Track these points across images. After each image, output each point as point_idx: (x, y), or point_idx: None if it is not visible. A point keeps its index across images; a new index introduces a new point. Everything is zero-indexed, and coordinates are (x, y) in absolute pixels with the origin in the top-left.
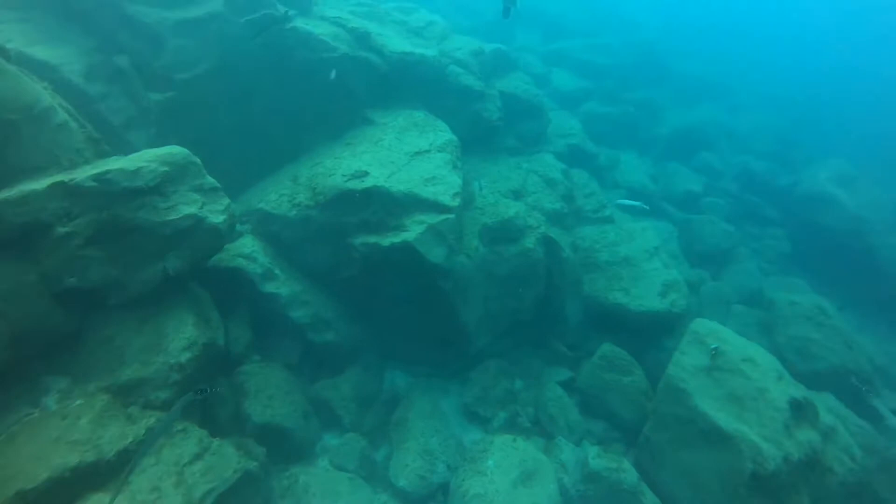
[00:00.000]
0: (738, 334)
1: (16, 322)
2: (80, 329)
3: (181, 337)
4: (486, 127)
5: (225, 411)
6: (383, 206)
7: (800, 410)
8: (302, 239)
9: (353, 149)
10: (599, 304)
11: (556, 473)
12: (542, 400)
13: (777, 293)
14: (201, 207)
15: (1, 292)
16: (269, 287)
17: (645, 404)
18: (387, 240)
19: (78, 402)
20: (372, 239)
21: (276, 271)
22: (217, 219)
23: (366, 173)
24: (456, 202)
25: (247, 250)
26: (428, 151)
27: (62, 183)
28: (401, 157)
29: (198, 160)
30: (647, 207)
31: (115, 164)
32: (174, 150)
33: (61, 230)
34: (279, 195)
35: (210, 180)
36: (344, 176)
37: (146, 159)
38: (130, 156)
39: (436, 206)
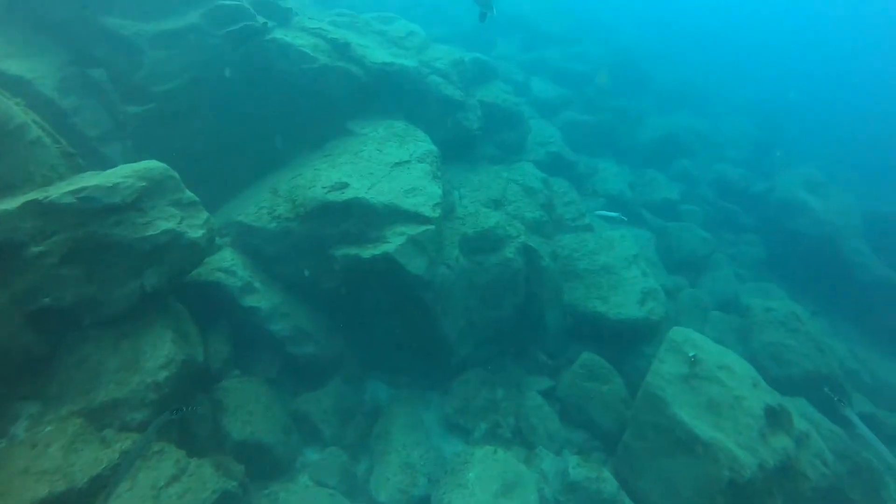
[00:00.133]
0: (714, 341)
1: None
2: (52, 351)
3: (159, 355)
4: (467, 136)
5: (204, 429)
6: (364, 217)
7: (775, 417)
8: (282, 251)
9: (334, 160)
10: (579, 313)
11: (537, 484)
12: (523, 409)
13: (752, 299)
14: (180, 222)
15: None
16: (249, 300)
17: (624, 412)
18: (367, 251)
19: (49, 428)
20: (353, 251)
21: (256, 284)
22: (196, 233)
23: (346, 185)
24: (436, 213)
25: (226, 264)
26: (408, 162)
27: (36, 201)
28: (381, 168)
29: (176, 174)
30: (626, 219)
31: (91, 180)
32: (151, 165)
33: (35, 249)
34: (259, 207)
35: (189, 194)
36: (324, 188)
37: (123, 175)
38: (107, 171)
39: (416, 218)
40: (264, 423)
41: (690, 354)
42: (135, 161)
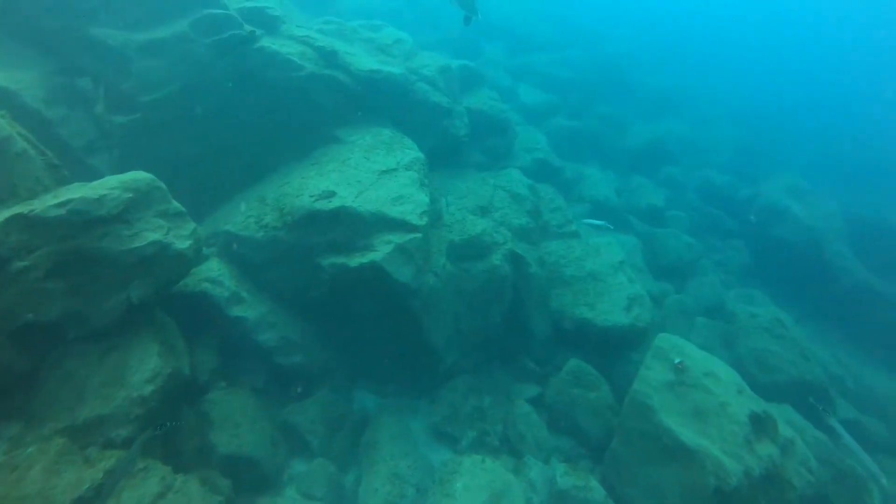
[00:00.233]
0: (700, 348)
1: None
2: (36, 367)
3: (145, 368)
4: (454, 143)
5: (190, 443)
6: (351, 226)
7: (760, 424)
8: (269, 260)
9: (321, 168)
10: (566, 319)
11: (525, 494)
12: (511, 417)
13: (738, 305)
14: (166, 234)
15: None
16: (236, 311)
17: (611, 419)
18: (355, 260)
19: (30, 449)
20: (340, 259)
21: (243, 294)
22: (183, 244)
23: (333, 193)
24: (423, 221)
25: (213, 274)
26: (395, 170)
27: (21, 215)
28: (368, 176)
29: (162, 185)
30: (612, 227)
31: (77, 192)
32: (138, 176)
33: (19, 264)
34: (246, 216)
35: (175, 205)
36: (311, 196)
37: (109, 186)
38: (93, 183)
39: (403, 226)
40: (251, 435)
41: (676, 361)
42: (121, 172)
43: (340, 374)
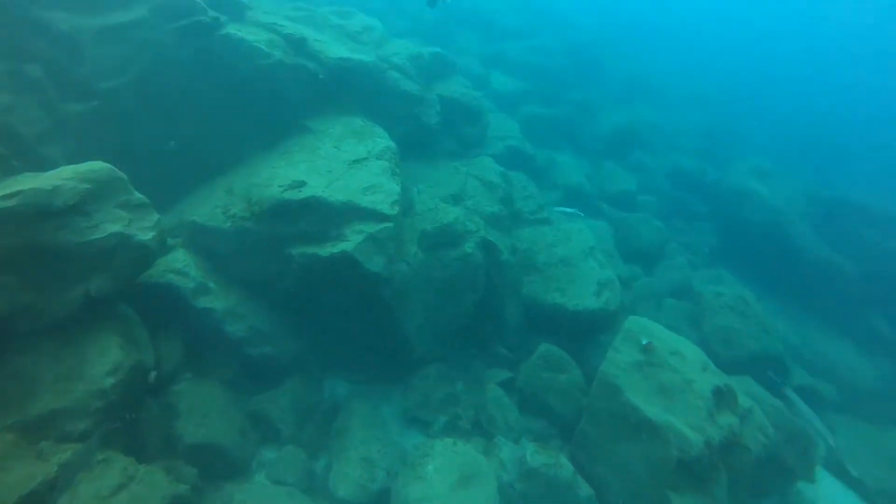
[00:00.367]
0: (668, 328)
1: None
2: None
3: (105, 361)
4: (426, 132)
5: (155, 434)
6: (322, 216)
7: (721, 397)
8: (238, 251)
9: (290, 158)
10: (538, 305)
11: (496, 473)
12: (483, 401)
13: (704, 286)
14: (128, 225)
15: None
16: (203, 302)
17: (581, 400)
18: (326, 250)
19: None
20: (311, 249)
21: (210, 285)
22: (146, 236)
23: (303, 183)
24: (395, 210)
25: (178, 265)
26: (366, 159)
27: None
28: (339, 165)
29: (123, 175)
30: (583, 214)
31: (28, 183)
32: (96, 166)
33: None
34: (213, 207)
35: (138, 196)
36: (281, 186)
37: (64, 177)
38: (46, 173)
39: (375, 215)
40: (219, 424)
41: (644, 342)
42: (79, 162)
43: (312, 363)
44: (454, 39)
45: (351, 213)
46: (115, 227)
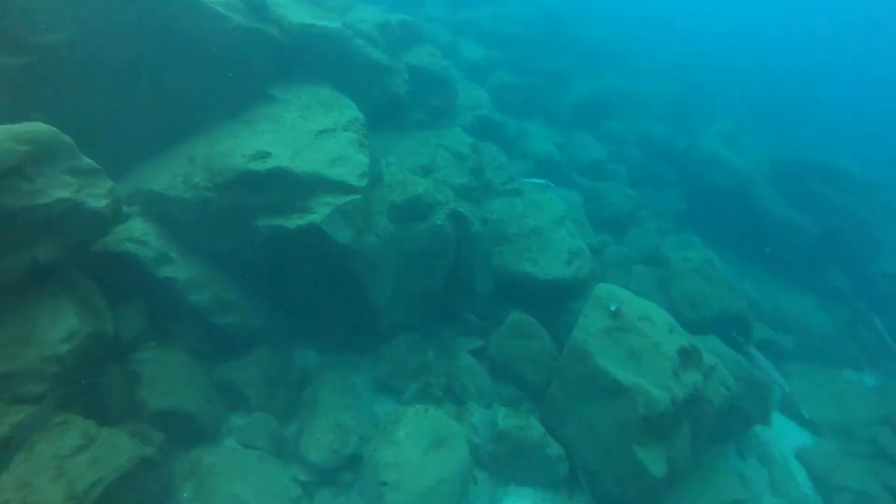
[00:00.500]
0: (637, 294)
1: None
2: None
3: (59, 328)
4: (394, 102)
5: (118, 400)
6: (288, 187)
7: (687, 357)
8: (200, 221)
9: (254, 127)
10: (509, 275)
11: (468, 436)
12: (454, 369)
13: (673, 251)
14: (78, 191)
15: None
16: (165, 271)
17: (552, 366)
18: (293, 222)
19: None
20: (277, 221)
21: (172, 254)
22: (99, 203)
23: (268, 154)
24: (363, 182)
25: (136, 234)
26: (333, 130)
27: None
28: (305, 136)
29: (69, 139)
30: (553, 185)
31: None
32: (35, 128)
33: None
34: (173, 175)
35: (87, 161)
36: (244, 156)
37: None
38: None
39: (343, 187)
40: (185, 391)
41: (612, 308)
42: (13, 123)
43: (281, 333)
44: (422, 6)
45: (318, 184)
46: (63, 193)
